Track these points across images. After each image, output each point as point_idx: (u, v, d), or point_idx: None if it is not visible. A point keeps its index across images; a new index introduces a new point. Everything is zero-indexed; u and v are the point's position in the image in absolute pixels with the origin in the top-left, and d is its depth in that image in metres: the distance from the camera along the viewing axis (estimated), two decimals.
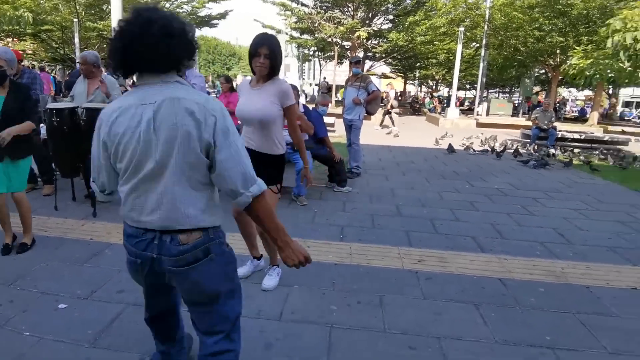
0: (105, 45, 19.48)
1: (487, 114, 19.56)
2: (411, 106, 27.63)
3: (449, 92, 31.29)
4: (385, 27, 25.26)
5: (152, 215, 1.46)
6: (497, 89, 39.53)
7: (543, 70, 25.21)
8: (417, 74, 34.69)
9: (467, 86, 37.19)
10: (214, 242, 1.51)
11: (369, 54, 25.81)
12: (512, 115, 20.11)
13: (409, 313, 2.75)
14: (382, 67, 31.15)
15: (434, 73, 31.10)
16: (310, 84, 33.35)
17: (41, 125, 4.56)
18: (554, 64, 20.77)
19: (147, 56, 1.37)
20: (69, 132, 4.37)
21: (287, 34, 25.57)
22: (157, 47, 1.35)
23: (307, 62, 37.65)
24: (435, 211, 5.03)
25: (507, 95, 38.50)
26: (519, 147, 10.23)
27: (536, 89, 31.55)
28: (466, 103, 35.51)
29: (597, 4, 16.86)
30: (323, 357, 2.27)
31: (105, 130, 1.46)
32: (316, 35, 23.51)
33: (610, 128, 18.54)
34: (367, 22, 23.51)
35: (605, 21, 12.93)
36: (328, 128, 6.26)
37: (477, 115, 19.77)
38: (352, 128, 6.76)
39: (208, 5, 24.01)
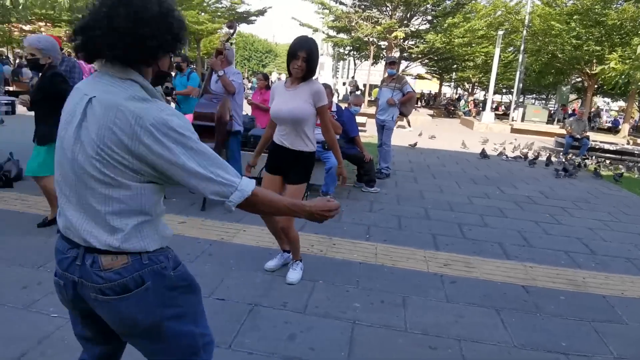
0: None
1: (522, 119, 19.10)
2: (446, 108, 27.28)
3: (484, 95, 30.69)
4: (423, 27, 24.96)
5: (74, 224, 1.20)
6: (534, 95, 38.44)
7: (580, 78, 24.46)
8: (454, 76, 34.17)
9: (504, 90, 36.36)
10: (149, 268, 1.21)
11: (405, 54, 25.55)
12: (547, 123, 19.59)
13: (431, 314, 2.79)
14: (417, 68, 30.84)
15: (470, 76, 30.56)
16: (344, 83, 33.29)
17: None
18: (590, 72, 20.19)
19: (108, 42, 1.11)
20: None
21: (323, 32, 25.66)
22: (121, 34, 1.10)
23: (341, 61, 37.64)
24: (464, 216, 5.02)
25: (543, 102, 37.40)
26: (551, 155, 10.04)
27: (572, 97, 30.58)
28: (501, 108, 34.72)
29: (629, 16, 16.55)
30: (344, 350, 2.35)
31: None
32: (353, 34, 23.44)
33: None
34: (405, 22, 23.27)
35: (638, 32, 12.55)
36: (359, 128, 6.30)
37: (512, 120, 19.35)
38: (384, 129, 6.78)
39: (247, 1, 24.37)
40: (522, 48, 19.13)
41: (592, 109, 27.53)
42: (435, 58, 25.84)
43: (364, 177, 5.82)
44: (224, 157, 4.16)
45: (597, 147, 11.46)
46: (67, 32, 22.44)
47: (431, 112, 24.18)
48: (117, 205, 1.16)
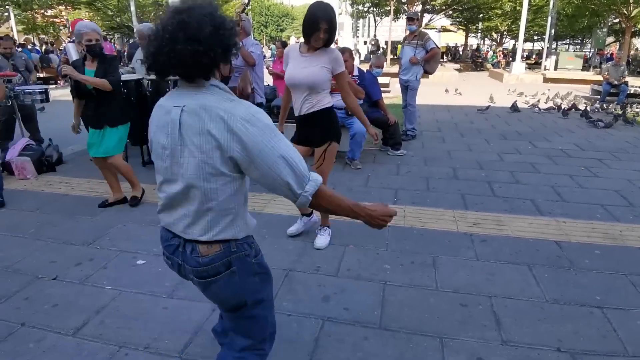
0: (161, 13, 19.81)
1: (556, 68, 18.24)
2: (473, 61, 26.25)
3: (514, 45, 29.31)
4: None
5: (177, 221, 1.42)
6: (567, 41, 36.37)
7: (617, 20, 22.85)
8: (480, 26, 32.67)
9: (535, 38, 34.56)
10: (236, 254, 1.41)
11: (428, 6, 24.55)
12: (583, 69, 18.59)
13: (461, 273, 2.84)
14: (441, 20, 29.62)
15: (498, 24, 29.09)
16: (365, 42, 32.34)
17: None
18: (627, 13, 18.83)
19: (173, 64, 1.26)
20: (136, 102, 4.71)
21: None
22: (182, 57, 1.23)
23: (361, 19, 36.53)
24: (494, 174, 4.95)
25: (578, 47, 35.38)
26: (587, 105, 9.57)
27: (609, 40, 28.71)
28: (535, 57, 33.15)
29: None
30: (377, 310, 2.45)
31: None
32: None
33: None
34: None
35: None
36: (382, 89, 6.20)
37: (545, 69, 18.49)
38: (408, 89, 6.64)
39: None
40: None
41: (631, 52, 25.89)
42: (460, 8, 24.76)
43: (390, 140, 5.78)
44: None
45: (637, 92, 10.81)
46: (89, 14, 22.53)
47: (457, 66, 23.38)
48: (214, 202, 1.32)
